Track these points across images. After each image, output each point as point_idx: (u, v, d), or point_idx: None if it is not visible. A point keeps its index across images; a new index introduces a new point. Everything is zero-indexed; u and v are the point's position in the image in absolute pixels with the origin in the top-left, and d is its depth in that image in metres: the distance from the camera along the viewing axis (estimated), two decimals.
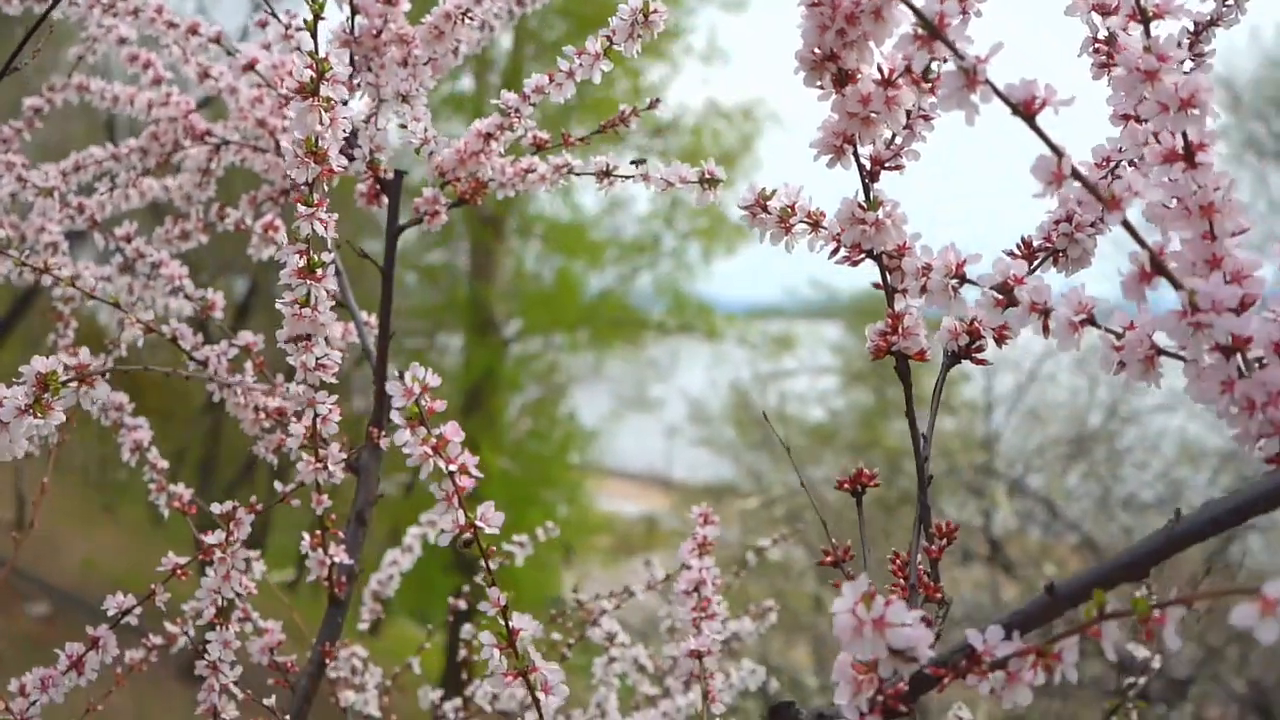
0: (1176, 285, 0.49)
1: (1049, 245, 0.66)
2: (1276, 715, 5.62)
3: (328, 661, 0.96)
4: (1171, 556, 0.48)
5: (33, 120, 1.32)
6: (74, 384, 0.66)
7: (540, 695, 0.62)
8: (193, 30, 1.05)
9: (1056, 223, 0.66)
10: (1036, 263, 0.66)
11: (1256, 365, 0.50)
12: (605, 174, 0.91)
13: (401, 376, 0.59)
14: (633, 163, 0.93)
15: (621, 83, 10.98)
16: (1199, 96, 0.51)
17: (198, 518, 1.02)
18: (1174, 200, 0.53)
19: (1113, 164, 0.67)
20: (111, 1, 1.07)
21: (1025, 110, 0.49)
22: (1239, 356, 0.49)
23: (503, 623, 0.63)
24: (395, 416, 0.59)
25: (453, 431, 0.60)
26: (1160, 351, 0.53)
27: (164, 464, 1.06)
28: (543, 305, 11.07)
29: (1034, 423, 7.39)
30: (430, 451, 0.60)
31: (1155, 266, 0.50)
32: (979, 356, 0.65)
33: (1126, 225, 0.49)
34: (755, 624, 1.39)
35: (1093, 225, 0.65)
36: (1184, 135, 0.52)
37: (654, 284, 11.50)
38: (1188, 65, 0.70)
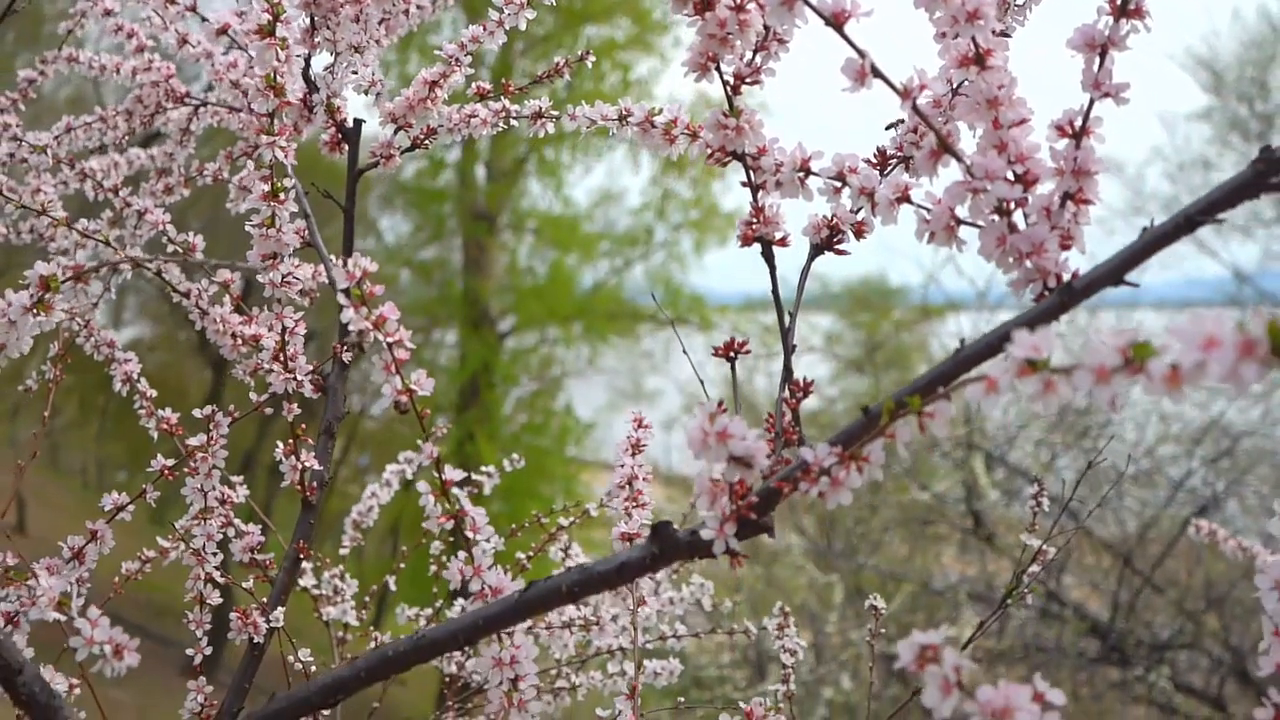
0: (959, 160, 0.61)
1: (900, 153, 0.78)
2: (1254, 679, 5.75)
3: (302, 557, 1.07)
4: (959, 376, 0.60)
5: (27, 90, 1.43)
6: (71, 282, 0.77)
7: (470, 535, 0.74)
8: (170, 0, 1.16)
9: (907, 133, 0.77)
10: (890, 167, 0.78)
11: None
12: (539, 115, 1.03)
13: (345, 264, 0.70)
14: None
15: (612, 76, 11.12)
16: (982, 9, 0.62)
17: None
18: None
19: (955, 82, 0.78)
20: None
21: (835, 20, 0.61)
22: (1011, 217, 0.61)
23: (436, 474, 0.74)
24: (341, 297, 0.71)
25: (390, 310, 0.72)
26: (959, 221, 0.64)
27: (153, 392, 1.18)
28: (537, 299, 11.18)
29: (1019, 399, 7.52)
30: (371, 326, 0.71)
31: (942, 146, 0.61)
32: (840, 248, 0.77)
33: (916, 110, 0.61)
34: None
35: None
36: (974, 42, 0.63)
37: (647, 276, 11.61)
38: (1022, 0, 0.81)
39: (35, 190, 1.36)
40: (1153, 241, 0.56)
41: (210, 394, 10.62)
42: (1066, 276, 0.60)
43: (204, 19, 1.15)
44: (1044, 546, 1.19)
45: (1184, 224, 0.55)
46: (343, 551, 1.47)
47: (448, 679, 1.40)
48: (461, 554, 0.75)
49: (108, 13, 1.28)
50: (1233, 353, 0.39)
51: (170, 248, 1.20)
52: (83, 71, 1.36)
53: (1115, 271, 0.57)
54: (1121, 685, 5.90)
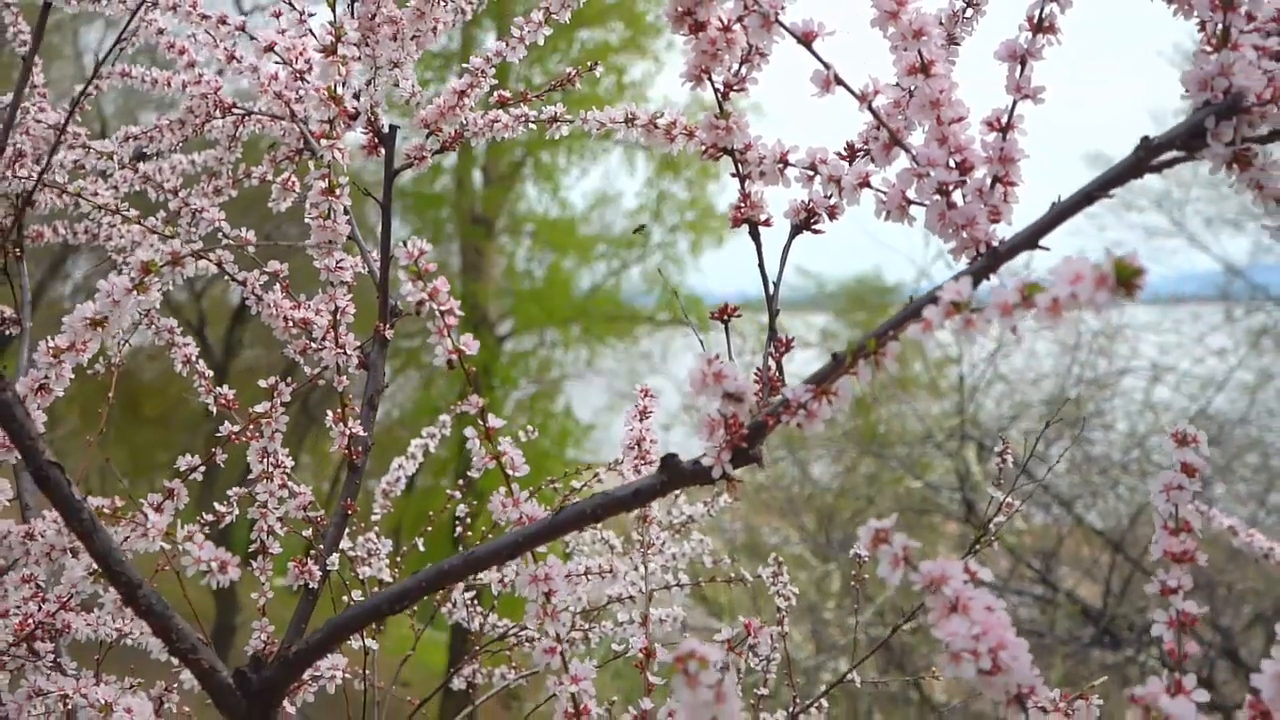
0: (907, 150, 0.75)
1: (865, 146, 0.92)
2: (1244, 660, 5.90)
3: (350, 513, 1.21)
4: (905, 326, 0.74)
5: (83, 104, 1.57)
6: (169, 266, 0.91)
7: (509, 472, 0.88)
8: (222, 21, 1.31)
9: (870, 130, 0.91)
10: (858, 158, 0.91)
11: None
12: (554, 120, 1.17)
13: (405, 244, 0.85)
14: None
15: (606, 80, 11.27)
16: (926, 28, 0.76)
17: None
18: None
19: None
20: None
21: (805, 39, 0.75)
22: (950, 197, 0.75)
23: (482, 424, 0.88)
24: (401, 273, 0.85)
25: (442, 283, 0.86)
26: (909, 201, 0.78)
27: (210, 373, 1.32)
28: (535, 302, 11.31)
29: (1013, 393, 7.68)
30: (427, 297, 0.85)
31: (893, 139, 0.76)
32: (816, 228, 0.91)
33: (872, 111, 0.75)
34: (705, 507, 1.65)
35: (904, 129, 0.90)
36: (920, 54, 0.77)
37: (644, 278, 11.76)
38: (970, 14, 0.95)
39: (93, 194, 1.50)
40: (1059, 214, 0.70)
41: None
42: (995, 244, 0.74)
43: (252, 37, 1.29)
44: (1007, 499, 1.33)
45: (1083, 199, 0.70)
46: (374, 518, 1.61)
47: (473, 633, 1.54)
48: (501, 489, 0.89)
49: (160, 31, 1.42)
50: (1091, 285, 0.53)
51: (224, 242, 1.34)
52: (135, 85, 1.50)
53: (1030, 239, 0.71)
54: (1114, 668, 6.05)
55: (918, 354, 10.33)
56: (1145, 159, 0.68)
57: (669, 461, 0.81)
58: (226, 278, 1.22)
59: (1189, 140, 0.68)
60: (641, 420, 1.18)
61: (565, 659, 0.87)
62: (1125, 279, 0.52)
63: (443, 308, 0.85)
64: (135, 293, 0.91)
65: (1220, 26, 0.68)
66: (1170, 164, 0.70)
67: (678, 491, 1.72)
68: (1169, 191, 8.80)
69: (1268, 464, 7.53)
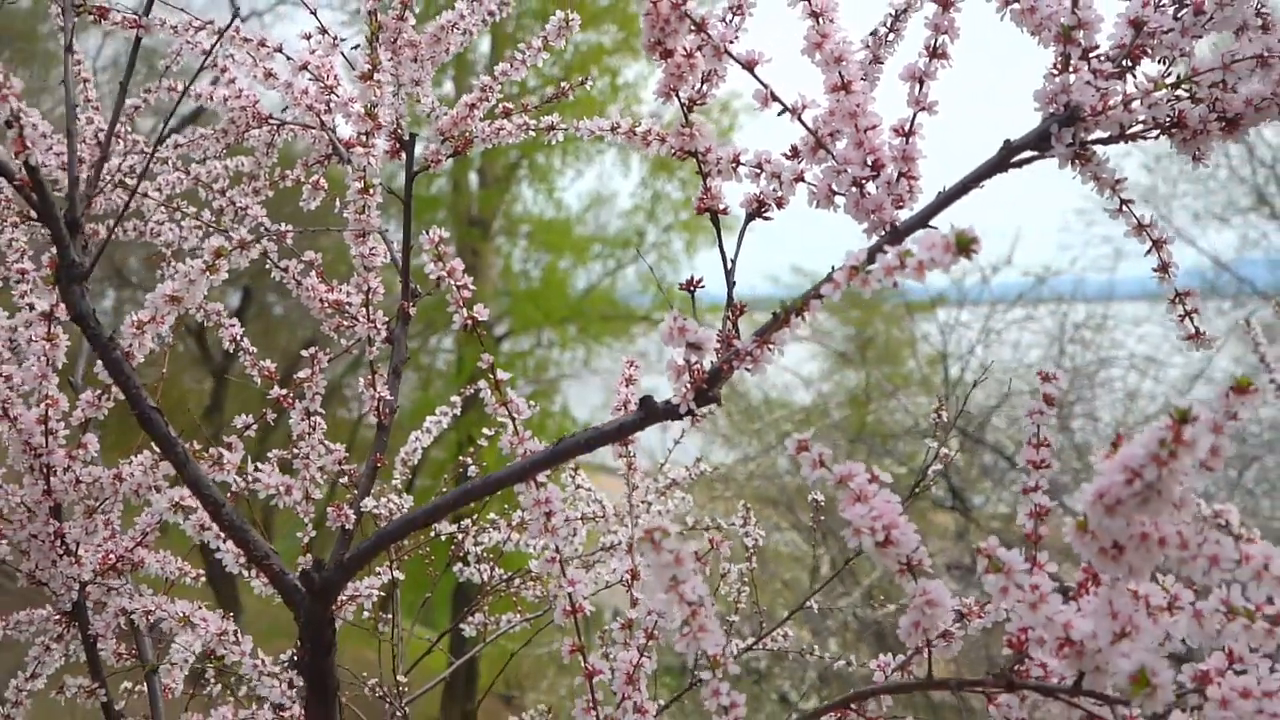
0: (829, 152, 0.95)
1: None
2: None
3: (378, 466, 1.41)
4: (822, 287, 0.94)
5: (133, 116, 1.77)
6: (236, 250, 1.11)
7: (515, 416, 1.08)
8: (262, 43, 1.51)
9: (804, 137, 1.12)
10: (801, 161, 1.12)
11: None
12: (551, 128, 1.37)
13: (426, 232, 1.05)
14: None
15: (599, 82, 11.47)
16: (845, 54, 0.97)
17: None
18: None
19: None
20: (201, 25, 1.52)
21: (748, 65, 0.95)
22: (864, 188, 0.95)
23: (492, 375, 1.08)
24: (424, 255, 1.05)
25: (458, 263, 1.06)
26: (834, 191, 0.99)
27: (254, 349, 1.52)
28: (531, 303, 11.50)
29: (999, 384, 7.91)
30: (445, 274, 1.05)
31: (818, 144, 0.96)
32: (767, 215, 1.11)
33: (801, 121, 0.95)
34: (688, 472, 1.85)
35: (832, 135, 1.11)
36: (840, 75, 0.97)
37: (639, 277, 11.95)
38: (891, 37, 1.16)
39: (144, 194, 1.70)
40: (943, 201, 0.91)
41: (211, 402, 10.96)
42: (897, 224, 0.95)
43: (289, 57, 1.49)
44: (944, 450, 1.53)
45: (960, 190, 0.90)
46: (394, 483, 1.81)
47: (483, 582, 1.74)
48: (510, 429, 1.09)
49: (205, 52, 1.62)
50: (941, 250, 0.73)
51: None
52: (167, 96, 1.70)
53: (920, 220, 0.91)
54: None
55: (910, 351, 10.54)
56: (1007, 157, 0.89)
57: (646, 401, 1.01)
58: (269, 265, 1.43)
59: (1039, 142, 0.88)
60: (627, 387, 1.38)
61: (563, 566, 1.08)
62: (964, 245, 0.73)
63: (459, 283, 1.05)
64: (208, 273, 1.11)
65: (1062, 54, 0.88)
66: (1028, 161, 0.90)
67: (664, 460, 1.93)
68: (1156, 187, 9.02)
69: (1245, 451, 7.75)
